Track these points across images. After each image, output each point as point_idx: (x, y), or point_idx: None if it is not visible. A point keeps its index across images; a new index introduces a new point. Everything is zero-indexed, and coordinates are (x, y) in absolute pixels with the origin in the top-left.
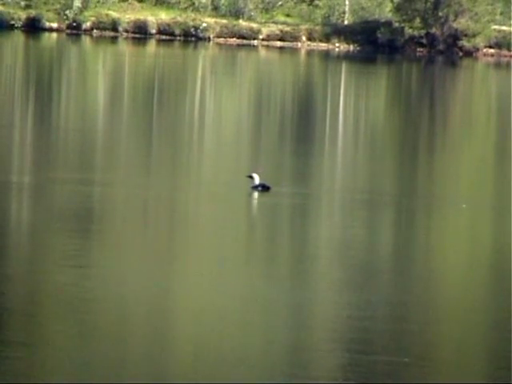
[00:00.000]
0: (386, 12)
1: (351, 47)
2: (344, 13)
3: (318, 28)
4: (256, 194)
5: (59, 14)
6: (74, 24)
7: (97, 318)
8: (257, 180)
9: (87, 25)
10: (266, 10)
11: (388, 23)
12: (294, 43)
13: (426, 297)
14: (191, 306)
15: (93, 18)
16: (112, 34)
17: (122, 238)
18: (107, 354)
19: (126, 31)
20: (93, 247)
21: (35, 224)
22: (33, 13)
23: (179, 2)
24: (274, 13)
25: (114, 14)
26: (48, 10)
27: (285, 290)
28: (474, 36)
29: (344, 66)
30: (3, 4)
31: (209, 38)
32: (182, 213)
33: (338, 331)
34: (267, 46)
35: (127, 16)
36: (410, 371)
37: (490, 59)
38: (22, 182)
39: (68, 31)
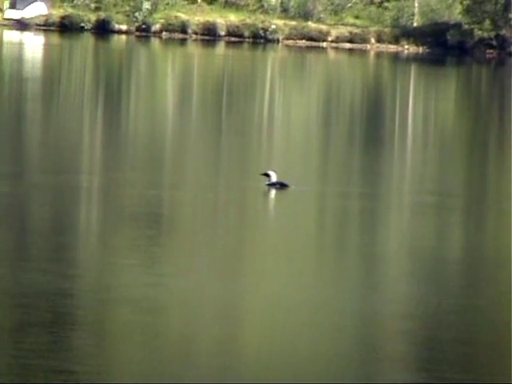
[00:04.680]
0: (456, 14)
1: (420, 49)
2: (413, 15)
3: (387, 30)
4: (273, 192)
5: (128, 16)
6: (144, 26)
7: (163, 323)
8: (273, 178)
9: (156, 27)
10: (335, 12)
11: (457, 25)
12: (363, 45)
13: (498, 302)
14: (259, 311)
15: (162, 21)
16: (181, 36)
17: (189, 241)
18: (172, 360)
19: (195, 33)
20: (160, 250)
21: (104, 226)
22: (102, 15)
23: (248, 4)
24: (343, 15)
25: (183, 16)
26: (117, 13)
27: (353, 294)
28: None
29: (413, 68)
30: (73, 6)
31: (278, 39)
32: (250, 215)
33: (406, 335)
34: (336, 48)
35: (196, 18)
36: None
37: None
38: (92, 185)
39: (137, 33)
